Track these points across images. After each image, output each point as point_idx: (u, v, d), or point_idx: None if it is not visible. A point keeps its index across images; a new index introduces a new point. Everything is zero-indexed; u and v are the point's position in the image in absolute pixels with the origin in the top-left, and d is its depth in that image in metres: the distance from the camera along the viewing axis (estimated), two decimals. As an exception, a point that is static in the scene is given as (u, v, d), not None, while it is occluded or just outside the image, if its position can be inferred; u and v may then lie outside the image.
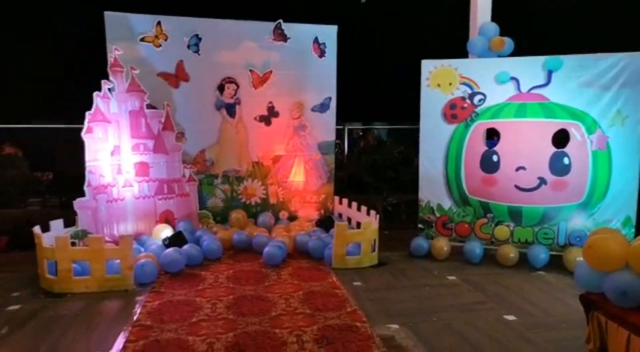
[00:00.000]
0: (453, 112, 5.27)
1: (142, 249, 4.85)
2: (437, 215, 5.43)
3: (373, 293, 4.21)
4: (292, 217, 6.36)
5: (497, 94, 5.11)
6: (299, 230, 5.71)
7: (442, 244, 5.26)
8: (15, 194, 5.70)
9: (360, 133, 8.08)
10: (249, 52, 6.13)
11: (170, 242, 4.94)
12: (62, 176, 6.25)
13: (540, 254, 4.91)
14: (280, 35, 6.23)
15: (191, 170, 5.83)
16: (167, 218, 5.59)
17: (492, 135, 5.19)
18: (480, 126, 5.19)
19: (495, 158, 5.14)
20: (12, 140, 6.03)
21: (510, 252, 5.01)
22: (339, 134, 6.78)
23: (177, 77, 5.94)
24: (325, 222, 5.86)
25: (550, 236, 5.03)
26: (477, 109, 5.18)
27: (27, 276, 4.44)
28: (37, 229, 4.32)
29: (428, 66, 5.34)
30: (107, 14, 5.60)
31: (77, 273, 4.12)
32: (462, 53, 5.55)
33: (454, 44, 5.70)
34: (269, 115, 6.30)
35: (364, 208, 5.72)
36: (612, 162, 4.77)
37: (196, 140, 6.03)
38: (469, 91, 5.20)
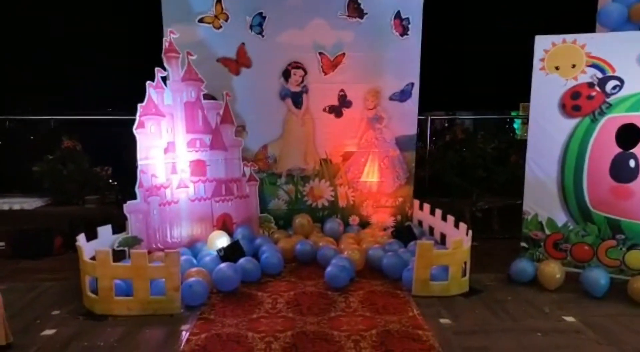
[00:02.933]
0: (575, 102, 4.11)
1: (195, 261, 4.30)
2: (547, 232, 4.34)
3: (467, 339, 3.30)
4: (364, 224, 5.54)
5: (638, 80, 3.88)
6: (371, 241, 4.89)
7: (554, 270, 4.18)
8: (73, 190, 5.40)
9: (446, 124, 7.01)
10: (319, 31, 5.31)
11: (226, 253, 4.34)
12: (122, 171, 5.88)
13: (695, 292, 3.71)
14: (356, 10, 5.33)
15: (252, 168, 5.19)
16: (225, 222, 5.02)
17: (630, 134, 3.98)
18: (612, 121, 4.01)
19: (632, 163, 3.94)
20: (72, 132, 5.72)
21: (650, 288, 3.85)
22: (420, 125, 5.80)
23: (238, 62, 5.28)
24: (403, 233, 5.00)
25: None
26: (610, 99, 3.99)
27: (75, 286, 4.03)
28: (81, 239, 3.88)
29: (543, 43, 4.19)
30: (164, -8, 5.04)
31: (122, 291, 3.63)
32: (589, 26, 4.31)
33: (579, 14, 4.47)
34: (340, 106, 5.47)
35: (450, 218, 4.75)
36: None
37: (258, 135, 5.38)
38: (599, 75, 4.02)
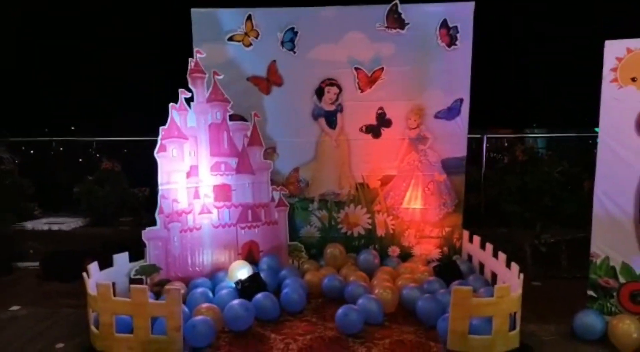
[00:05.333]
0: (657, 122, 3.32)
1: (211, 295, 4.02)
2: (622, 280, 3.53)
3: None
4: (406, 255, 4.98)
5: None
6: (408, 278, 4.32)
7: (629, 328, 3.36)
8: (108, 211, 5.41)
9: (506, 144, 6.22)
10: (355, 45, 4.91)
11: (244, 287, 4.02)
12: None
13: None
14: (396, 21, 4.86)
15: (282, 192, 4.87)
16: (250, 250, 4.73)
17: None
18: None
19: None
20: (112, 153, 5.77)
21: None
22: (475, 145, 5.15)
23: (269, 80, 5.01)
24: (447, 270, 4.38)
25: None
26: None
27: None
28: (93, 268, 3.76)
29: (616, 50, 3.45)
30: (195, 12, 4.92)
31: (126, 326, 3.41)
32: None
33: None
34: (379, 125, 4.99)
35: (502, 256, 4.06)
36: None
37: (289, 157, 5.05)
38: (690, 88, 3.20)
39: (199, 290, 4.02)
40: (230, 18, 4.93)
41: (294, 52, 4.93)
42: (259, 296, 3.89)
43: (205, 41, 4.83)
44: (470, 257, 4.80)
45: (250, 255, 4.70)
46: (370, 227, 5.06)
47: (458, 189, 4.97)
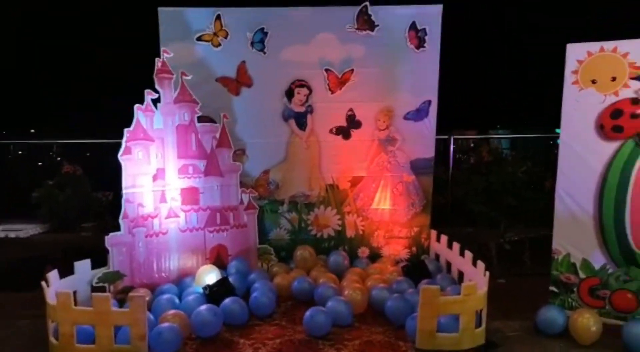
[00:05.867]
0: (616, 122, 3.46)
1: (177, 301, 3.93)
2: (582, 276, 3.65)
3: None
4: (375, 256, 5.00)
5: (696, 95, 3.18)
6: (377, 279, 4.34)
7: (588, 321, 3.47)
8: (71, 217, 5.22)
9: (472, 145, 6.35)
10: (326, 46, 4.91)
11: (212, 292, 3.95)
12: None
13: None
14: (366, 23, 4.88)
15: (251, 195, 4.80)
16: (219, 254, 4.65)
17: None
18: (662, 146, 3.31)
19: (688, 197, 3.22)
20: (73, 157, 5.58)
21: None
22: (442, 146, 5.22)
23: (239, 81, 4.95)
24: (415, 270, 4.42)
25: None
26: (658, 119, 3.31)
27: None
28: (52, 276, 3.61)
29: (577, 53, 3.57)
30: (162, 10, 4.81)
31: (88, 336, 3.29)
32: (635, 32, 3.61)
33: (617, 19, 3.80)
34: (349, 127, 5.01)
35: (468, 254, 4.13)
36: None
37: (259, 159, 5.00)
38: (645, 91, 3.34)
39: (165, 296, 3.92)
40: (199, 17, 4.84)
41: (264, 53, 4.88)
42: (227, 300, 3.83)
43: (173, 41, 4.73)
44: (437, 257, 4.87)
45: (218, 259, 4.62)
46: (340, 228, 5.06)
47: (426, 189, 5.03)
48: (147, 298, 3.54)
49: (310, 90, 4.96)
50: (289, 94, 4.96)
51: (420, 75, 4.93)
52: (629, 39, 3.52)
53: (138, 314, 3.20)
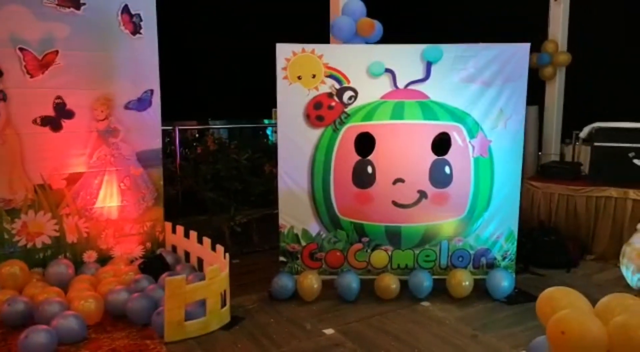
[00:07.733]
0: (318, 112, 4.13)
1: None
2: (303, 244, 4.28)
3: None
4: (105, 259, 4.54)
5: (370, 90, 4.12)
6: (112, 282, 3.98)
7: (311, 281, 4.13)
8: None
9: (197, 135, 6.48)
10: (18, 22, 4.08)
11: None
12: None
13: (424, 282, 4.14)
14: (70, -1, 4.29)
15: None
16: None
17: (367, 142, 4.20)
18: (351, 130, 4.16)
19: (370, 170, 4.18)
20: None
21: (392, 284, 4.14)
22: (168, 137, 5.13)
23: None
24: (153, 265, 4.26)
25: (432, 258, 4.31)
26: (348, 109, 4.14)
27: None
28: None
29: (284, 52, 4.08)
30: None
31: None
32: (325, 38, 4.41)
33: (315, 25, 4.54)
34: (58, 116, 4.34)
35: (207, 241, 4.26)
36: (494, 170, 4.20)
37: None
38: (337, 86, 4.11)
39: None
40: None
41: None
42: None
43: None
44: (175, 248, 4.81)
45: None
46: (58, 234, 4.35)
47: (156, 181, 4.85)
48: None
49: (2, 73, 4.06)
50: (-30, 76, 3.93)
51: (140, 63, 4.68)
52: (323, 44, 4.27)
53: None
